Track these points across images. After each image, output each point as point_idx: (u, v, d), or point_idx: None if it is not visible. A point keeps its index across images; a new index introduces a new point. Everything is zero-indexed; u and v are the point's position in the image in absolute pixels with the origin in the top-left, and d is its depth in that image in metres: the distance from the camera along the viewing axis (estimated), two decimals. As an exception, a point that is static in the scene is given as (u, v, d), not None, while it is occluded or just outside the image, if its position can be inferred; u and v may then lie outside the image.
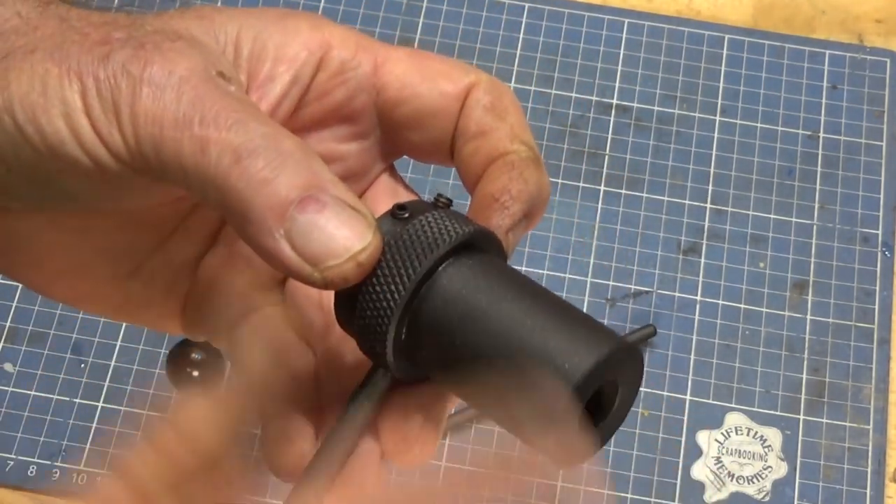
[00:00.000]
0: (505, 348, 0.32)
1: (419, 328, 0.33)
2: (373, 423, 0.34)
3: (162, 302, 0.39)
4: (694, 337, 0.76)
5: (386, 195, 0.39)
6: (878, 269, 0.78)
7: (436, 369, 0.34)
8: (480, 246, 0.34)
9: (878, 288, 0.77)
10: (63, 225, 0.36)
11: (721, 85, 0.84)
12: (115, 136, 0.32)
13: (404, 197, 0.39)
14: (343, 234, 0.31)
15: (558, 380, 0.31)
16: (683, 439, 0.73)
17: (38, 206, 0.35)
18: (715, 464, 0.73)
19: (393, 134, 0.38)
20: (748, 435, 0.73)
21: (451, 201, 0.35)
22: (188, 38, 0.34)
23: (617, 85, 0.84)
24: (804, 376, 0.75)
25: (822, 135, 0.82)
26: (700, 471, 0.72)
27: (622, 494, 0.72)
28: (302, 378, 0.36)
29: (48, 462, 0.71)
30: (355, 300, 0.33)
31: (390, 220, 0.33)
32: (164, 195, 0.36)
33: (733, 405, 0.74)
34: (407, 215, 0.33)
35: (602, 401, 0.33)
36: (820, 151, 0.82)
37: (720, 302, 0.77)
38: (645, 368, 0.79)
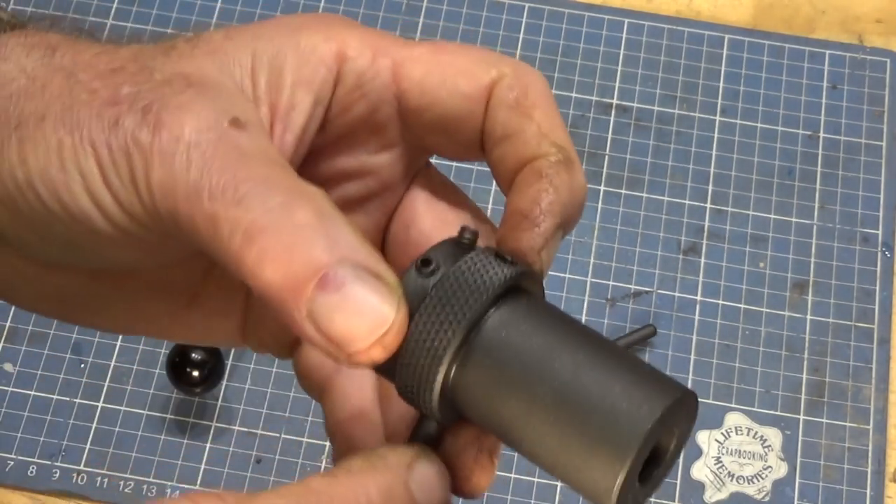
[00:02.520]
0: (563, 399, 0.31)
1: (466, 383, 0.32)
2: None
3: (224, 324, 0.38)
4: (694, 337, 0.76)
5: (421, 202, 0.37)
6: (878, 269, 0.78)
7: (484, 418, 0.32)
8: (521, 285, 0.32)
9: (878, 288, 0.77)
10: (107, 275, 0.36)
11: (721, 85, 0.84)
12: (135, 207, 0.31)
13: (439, 204, 0.37)
14: (365, 315, 0.30)
15: (624, 431, 0.30)
16: (683, 439, 0.73)
17: (80, 264, 0.35)
18: (715, 464, 0.73)
19: (420, 139, 0.36)
20: (748, 435, 0.73)
21: (475, 235, 0.33)
22: (198, 85, 0.32)
23: (617, 85, 0.84)
24: (804, 376, 0.75)
25: (822, 135, 0.82)
26: (700, 471, 0.72)
27: (622, 494, 0.72)
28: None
29: (48, 462, 0.71)
30: (393, 371, 0.32)
31: (416, 277, 0.31)
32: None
33: (733, 405, 0.74)
34: (434, 268, 0.32)
35: (659, 447, 0.32)
36: (820, 151, 0.82)
37: (720, 302, 0.77)
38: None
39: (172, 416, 0.73)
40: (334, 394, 0.37)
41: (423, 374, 0.31)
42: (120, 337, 0.75)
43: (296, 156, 0.35)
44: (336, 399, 0.36)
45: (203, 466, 0.71)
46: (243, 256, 0.30)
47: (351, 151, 0.36)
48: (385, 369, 0.32)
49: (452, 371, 0.31)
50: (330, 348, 0.30)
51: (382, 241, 0.38)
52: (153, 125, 0.31)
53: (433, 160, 0.38)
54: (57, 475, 0.71)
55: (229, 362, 0.73)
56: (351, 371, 0.36)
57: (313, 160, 0.36)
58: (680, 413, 0.31)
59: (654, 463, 0.32)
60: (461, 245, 0.32)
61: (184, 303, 0.38)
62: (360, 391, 0.36)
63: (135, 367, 0.74)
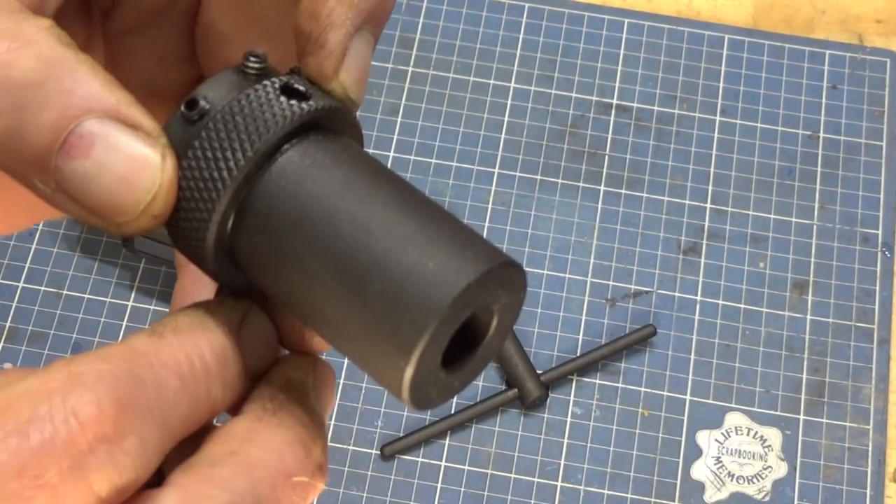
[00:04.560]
0: (348, 264, 0.25)
1: (243, 243, 0.27)
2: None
3: None
4: (694, 337, 0.76)
5: None
6: (878, 269, 0.78)
7: (268, 284, 0.27)
8: (328, 126, 0.27)
9: (878, 288, 0.77)
10: None
11: (721, 85, 0.84)
12: None
13: None
14: (126, 180, 0.25)
15: (425, 299, 0.24)
16: (683, 439, 0.73)
17: None
18: (715, 464, 0.73)
19: None
20: (748, 435, 0.73)
21: (263, 60, 0.27)
22: None
23: (617, 85, 0.84)
24: (804, 376, 0.75)
25: (822, 135, 0.82)
26: (700, 471, 0.72)
27: (622, 494, 0.72)
28: None
29: (48, 462, 0.71)
30: (170, 230, 0.27)
31: (182, 123, 0.26)
32: None
33: (733, 405, 0.74)
34: (199, 110, 0.26)
35: (474, 328, 0.27)
36: (820, 151, 0.82)
37: (720, 302, 0.77)
38: (645, 368, 0.79)
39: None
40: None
41: (196, 231, 0.26)
42: (120, 337, 0.75)
43: None
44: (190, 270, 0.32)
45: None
46: None
47: None
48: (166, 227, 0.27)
49: (229, 226, 0.27)
50: (94, 221, 0.25)
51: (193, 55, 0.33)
52: None
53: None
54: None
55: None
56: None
57: None
58: (498, 287, 0.26)
59: (468, 345, 0.27)
60: (245, 75, 0.27)
61: None
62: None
63: (135, 367, 0.74)
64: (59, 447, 0.23)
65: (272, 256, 0.26)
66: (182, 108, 0.26)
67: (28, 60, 0.24)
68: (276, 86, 0.27)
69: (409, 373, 0.25)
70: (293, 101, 0.26)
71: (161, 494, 0.24)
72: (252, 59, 0.27)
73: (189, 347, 0.26)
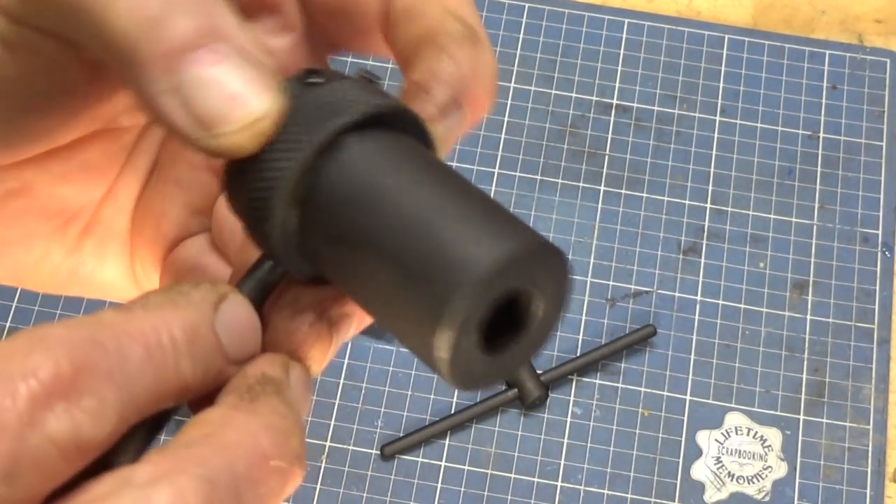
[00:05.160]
0: (401, 236, 0.26)
1: (313, 210, 0.28)
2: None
3: (119, 258, 0.35)
4: (694, 337, 0.76)
5: None
6: (878, 269, 0.78)
7: (329, 264, 0.28)
8: (399, 126, 0.29)
9: (878, 288, 0.77)
10: None
11: (721, 85, 0.84)
12: None
13: None
14: (242, 96, 0.26)
15: (455, 275, 0.26)
16: (683, 439, 0.73)
17: None
18: (715, 464, 0.73)
19: (321, 25, 0.32)
20: (748, 435, 0.73)
21: (377, 78, 0.30)
22: None
23: (617, 85, 0.84)
24: (804, 376, 0.75)
25: (822, 135, 0.82)
26: (700, 471, 0.72)
27: (622, 494, 0.72)
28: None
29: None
30: (246, 174, 0.28)
31: (298, 84, 0.28)
32: (70, 79, 0.30)
33: (733, 405, 0.74)
34: (321, 81, 0.28)
35: (517, 316, 0.27)
36: (820, 151, 0.82)
37: (720, 302, 0.77)
38: (645, 368, 0.79)
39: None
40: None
41: (270, 189, 0.27)
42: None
43: None
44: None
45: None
46: (109, 10, 0.26)
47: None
48: (233, 177, 0.28)
49: (300, 201, 0.28)
50: (195, 131, 0.26)
51: None
52: None
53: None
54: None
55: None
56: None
57: None
58: (540, 270, 0.27)
59: (512, 332, 0.27)
60: (362, 80, 0.29)
61: (78, 229, 0.34)
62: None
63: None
64: (20, 403, 0.24)
65: (333, 222, 0.27)
66: (306, 72, 0.28)
67: None
68: (383, 90, 0.29)
69: (446, 341, 0.26)
70: (381, 97, 0.29)
71: (133, 470, 0.24)
72: (368, 73, 0.30)
73: (156, 321, 0.26)
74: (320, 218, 0.28)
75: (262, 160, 0.27)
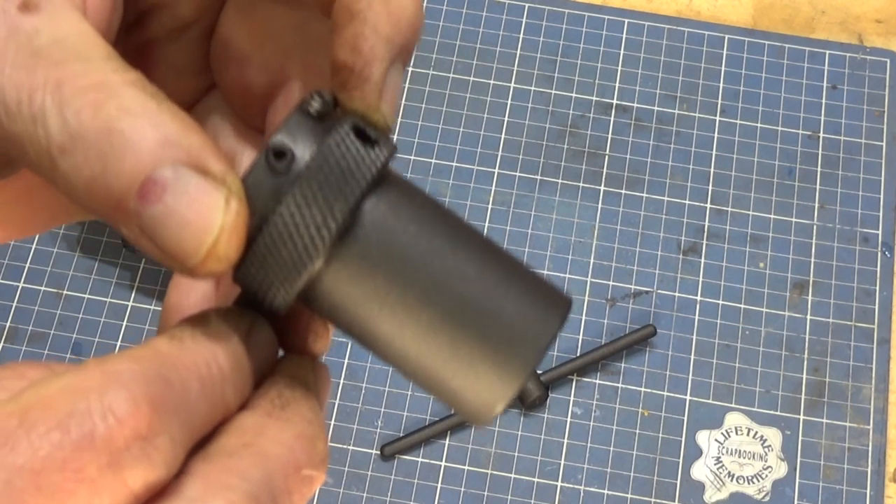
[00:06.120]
0: (455, 307, 0.28)
1: (333, 287, 0.28)
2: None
3: None
4: (694, 337, 0.76)
5: (234, 12, 0.32)
6: (878, 269, 0.78)
7: (352, 322, 0.29)
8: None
9: (878, 288, 0.77)
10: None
11: (721, 85, 0.84)
12: None
13: (257, 13, 0.32)
14: (193, 223, 0.26)
15: (520, 345, 0.28)
16: (683, 439, 0.73)
17: None
18: (715, 464, 0.73)
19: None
20: (748, 435, 0.73)
21: (330, 101, 0.28)
22: None
23: (617, 85, 0.84)
24: (804, 376, 0.75)
25: (822, 135, 0.82)
26: (700, 471, 0.72)
27: (622, 494, 0.72)
28: None
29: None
30: (256, 270, 0.28)
31: (270, 175, 0.27)
32: None
33: (733, 405, 0.74)
34: (288, 161, 0.27)
35: None
36: (820, 151, 0.82)
37: (720, 302, 0.77)
38: (645, 368, 0.79)
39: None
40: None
41: (283, 281, 0.28)
42: (120, 337, 0.75)
43: (114, 14, 0.29)
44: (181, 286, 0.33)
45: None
46: (56, 179, 0.26)
47: None
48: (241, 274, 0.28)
49: (317, 269, 0.28)
50: (172, 265, 0.26)
51: (207, 69, 0.34)
52: None
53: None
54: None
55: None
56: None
57: None
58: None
59: None
60: (314, 118, 0.28)
61: None
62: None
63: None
64: (99, 442, 0.23)
65: (363, 301, 0.28)
66: (267, 157, 0.27)
67: (112, 110, 0.26)
68: (351, 134, 0.28)
69: (506, 400, 0.28)
70: (369, 149, 0.28)
71: (183, 484, 0.25)
72: (317, 99, 0.28)
73: (207, 352, 0.27)
74: (340, 297, 0.28)
75: (265, 272, 0.27)
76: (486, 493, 0.72)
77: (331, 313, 0.29)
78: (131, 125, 0.25)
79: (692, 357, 0.75)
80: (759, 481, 0.72)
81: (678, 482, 0.72)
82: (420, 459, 0.72)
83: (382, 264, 0.28)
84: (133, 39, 0.33)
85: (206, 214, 0.26)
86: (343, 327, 0.29)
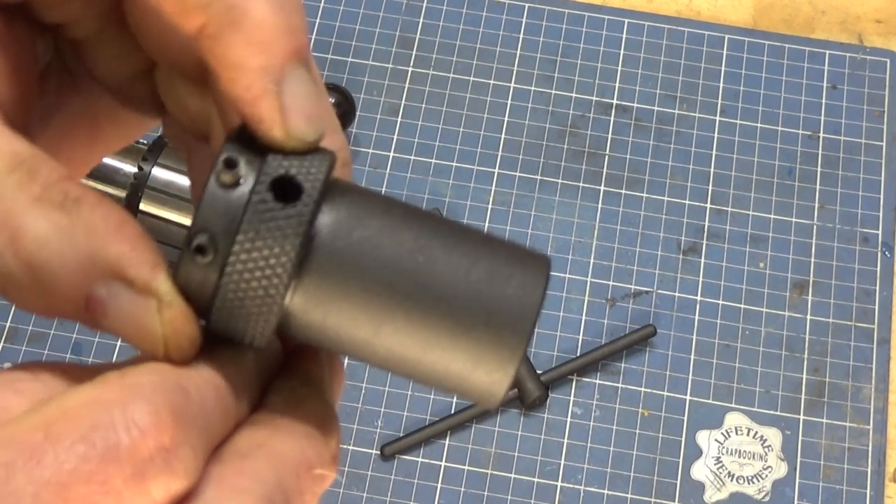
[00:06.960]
0: (436, 295, 0.27)
1: (304, 309, 0.28)
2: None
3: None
4: (694, 337, 0.76)
5: None
6: (878, 269, 0.78)
7: (331, 337, 0.28)
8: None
9: (878, 288, 0.77)
10: None
11: (721, 85, 0.84)
12: None
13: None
14: (140, 334, 0.26)
15: (513, 316, 0.27)
16: (683, 439, 0.73)
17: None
18: (715, 464, 0.73)
19: None
20: (748, 435, 0.73)
21: (236, 165, 0.27)
22: None
23: (617, 85, 0.84)
24: (804, 376, 0.75)
25: (822, 135, 0.82)
26: (700, 471, 0.72)
27: (622, 494, 0.72)
28: None
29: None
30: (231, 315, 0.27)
31: (198, 268, 0.27)
32: None
33: (733, 405, 0.74)
34: (211, 256, 0.27)
35: None
36: (820, 151, 0.82)
37: (720, 302, 0.77)
38: (645, 368, 0.79)
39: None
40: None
41: (255, 318, 0.27)
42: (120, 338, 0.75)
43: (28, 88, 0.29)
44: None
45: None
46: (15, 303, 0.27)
47: None
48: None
49: (287, 300, 0.27)
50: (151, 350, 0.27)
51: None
52: None
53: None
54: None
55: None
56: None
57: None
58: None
59: None
60: (227, 187, 0.27)
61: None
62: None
63: (135, 367, 0.74)
64: (123, 455, 0.24)
65: (340, 320, 0.27)
66: (189, 249, 0.27)
67: (27, 244, 0.26)
68: (270, 197, 0.27)
69: (510, 376, 0.27)
70: (296, 205, 0.26)
71: (198, 488, 0.25)
72: (225, 170, 0.27)
73: (219, 360, 0.27)
74: (314, 316, 0.27)
75: (226, 320, 0.27)
76: (486, 493, 0.72)
77: (315, 339, 0.28)
78: (48, 257, 0.25)
79: (692, 357, 0.75)
80: (759, 481, 0.72)
81: (678, 482, 0.72)
82: (420, 459, 0.72)
83: (350, 281, 0.27)
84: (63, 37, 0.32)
85: (144, 327, 0.26)
86: (333, 347, 0.28)
